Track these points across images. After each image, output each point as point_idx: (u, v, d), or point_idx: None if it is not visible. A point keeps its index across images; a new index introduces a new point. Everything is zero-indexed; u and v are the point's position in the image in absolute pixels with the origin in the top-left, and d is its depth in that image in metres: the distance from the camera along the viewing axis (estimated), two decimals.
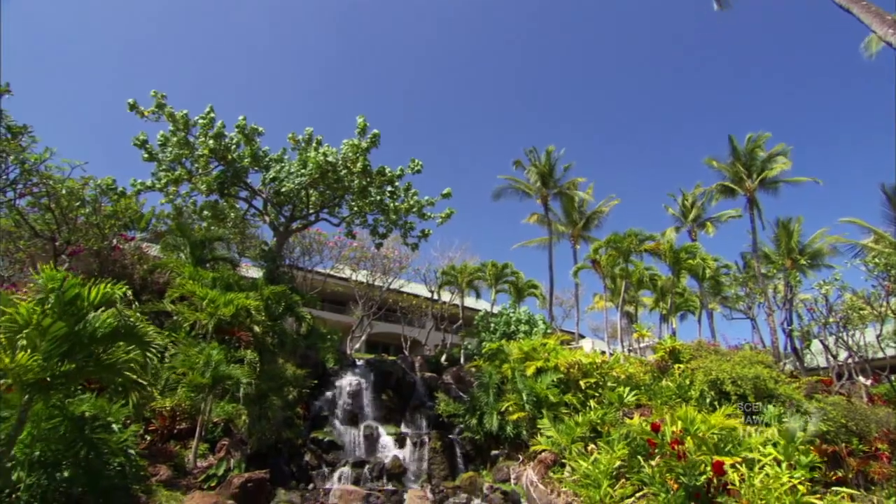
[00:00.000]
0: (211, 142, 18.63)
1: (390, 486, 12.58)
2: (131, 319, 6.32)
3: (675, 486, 8.76)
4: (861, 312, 22.02)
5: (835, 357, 23.87)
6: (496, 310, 28.47)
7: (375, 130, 18.75)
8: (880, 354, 26.05)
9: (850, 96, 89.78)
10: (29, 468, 5.23)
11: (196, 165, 19.17)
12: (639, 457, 10.16)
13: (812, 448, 10.89)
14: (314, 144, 19.86)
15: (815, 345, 26.15)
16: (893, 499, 11.01)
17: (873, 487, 12.37)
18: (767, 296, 26.47)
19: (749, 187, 29.86)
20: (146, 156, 18.85)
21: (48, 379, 5.43)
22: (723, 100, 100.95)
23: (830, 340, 24.05)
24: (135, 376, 6.29)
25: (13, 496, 5.17)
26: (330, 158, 18.30)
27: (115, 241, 15.26)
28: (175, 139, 18.85)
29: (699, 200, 35.06)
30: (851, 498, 10.64)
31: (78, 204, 13.93)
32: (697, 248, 27.04)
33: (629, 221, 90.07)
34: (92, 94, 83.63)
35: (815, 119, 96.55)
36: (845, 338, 23.06)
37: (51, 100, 77.00)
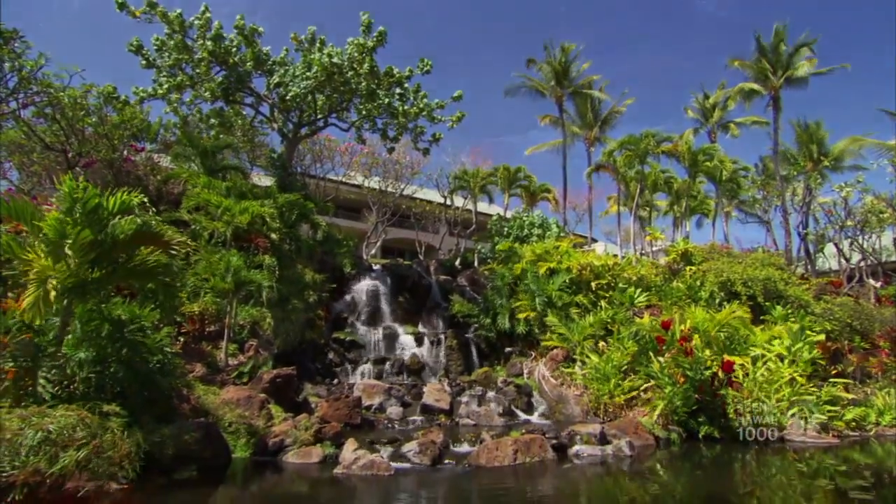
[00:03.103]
0: (209, 44, 17.71)
1: (410, 381, 13.44)
2: (150, 223, 6.47)
3: (682, 379, 9.23)
4: (881, 216, 21.75)
5: (847, 260, 23.94)
6: (509, 214, 28.47)
7: (381, 28, 17.65)
8: (894, 258, 26.09)
9: None
10: (79, 365, 5.70)
11: (197, 70, 18.41)
12: (648, 353, 10.63)
13: (816, 345, 11.26)
14: (318, 45, 18.83)
15: (829, 249, 26.16)
16: (886, 390, 11.52)
17: (868, 381, 12.97)
18: (784, 199, 26.04)
19: (774, 85, 28.23)
20: (144, 63, 18.09)
21: (82, 284, 5.71)
22: None
23: (845, 244, 24.00)
24: (164, 279, 6.59)
25: (71, 387, 5.69)
26: (335, 60, 17.43)
27: (125, 151, 15.14)
28: (172, 42, 17.93)
29: (721, 102, 33.40)
30: (847, 389, 11.20)
31: (83, 113, 13.66)
32: (716, 150, 26.22)
33: (645, 125, 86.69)
34: None
35: (848, 10, 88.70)
36: (861, 241, 22.98)
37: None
